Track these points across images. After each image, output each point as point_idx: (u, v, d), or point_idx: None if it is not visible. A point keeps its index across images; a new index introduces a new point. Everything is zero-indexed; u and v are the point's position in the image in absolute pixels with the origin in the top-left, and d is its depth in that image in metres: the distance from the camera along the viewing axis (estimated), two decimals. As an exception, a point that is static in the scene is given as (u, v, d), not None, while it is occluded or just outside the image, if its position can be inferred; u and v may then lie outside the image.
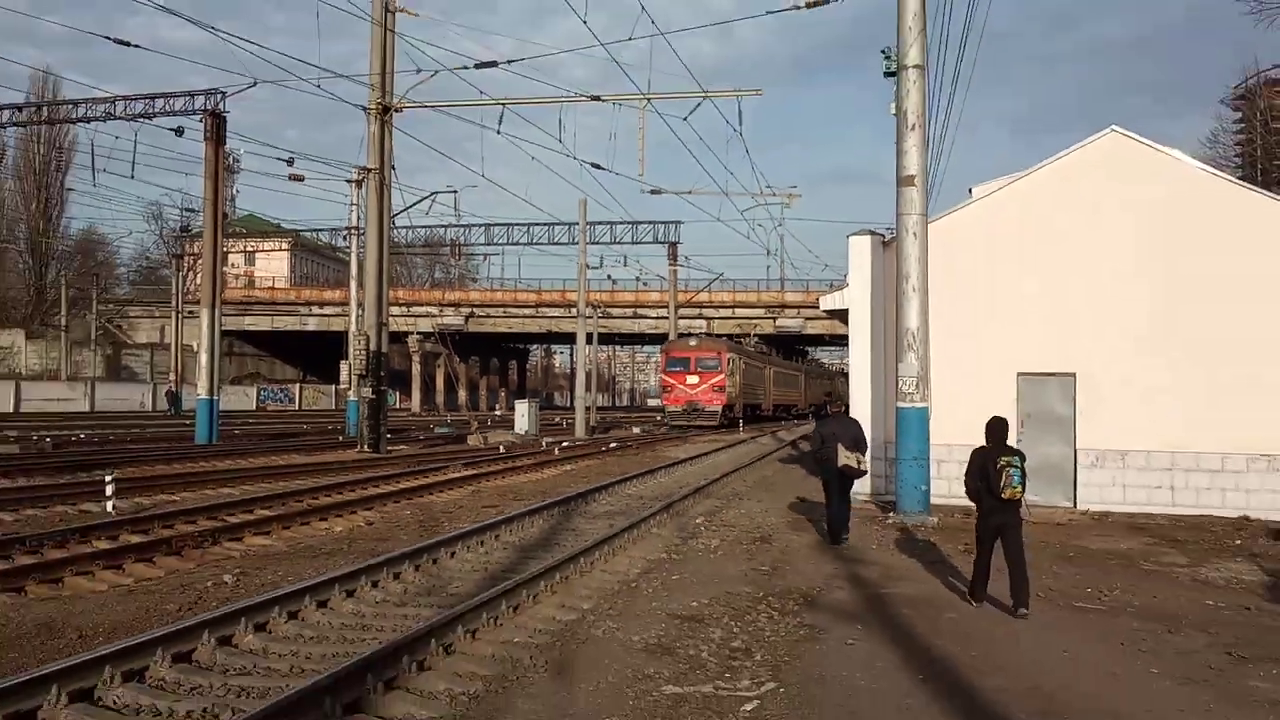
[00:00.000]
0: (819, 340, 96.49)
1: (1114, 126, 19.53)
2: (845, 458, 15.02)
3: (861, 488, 19.94)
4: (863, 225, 21.40)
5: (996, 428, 11.19)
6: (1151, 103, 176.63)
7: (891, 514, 17.54)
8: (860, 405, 20.56)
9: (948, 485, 18.92)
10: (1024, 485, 10.68)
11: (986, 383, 19.14)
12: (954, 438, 18.93)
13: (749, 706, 7.36)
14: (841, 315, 22.18)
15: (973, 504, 11.11)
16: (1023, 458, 10.94)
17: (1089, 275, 19.10)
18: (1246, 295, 18.37)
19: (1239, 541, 15.96)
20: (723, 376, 54.19)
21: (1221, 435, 18.46)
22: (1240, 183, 22.81)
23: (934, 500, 17.68)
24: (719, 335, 66.44)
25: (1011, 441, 11.72)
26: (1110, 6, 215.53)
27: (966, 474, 11.13)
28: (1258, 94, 56.28)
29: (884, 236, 20.81)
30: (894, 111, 17.93)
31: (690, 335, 62.44)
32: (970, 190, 22.00)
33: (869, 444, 16.64)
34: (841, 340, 31.61)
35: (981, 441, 11.11)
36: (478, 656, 8.51)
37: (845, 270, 21.66)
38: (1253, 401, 18.24)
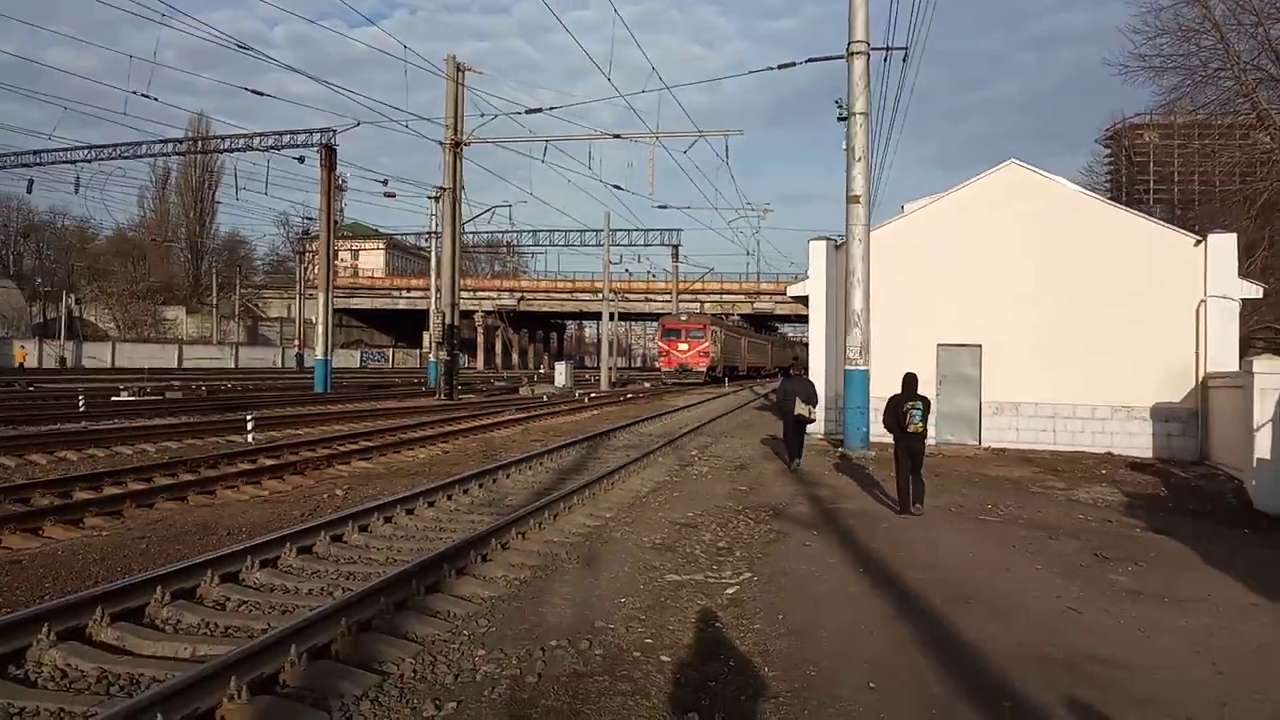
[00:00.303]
0: (786, 319, 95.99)
1: (1014, 159, 19.46)
2: (800, 408, 15.31)
3: (817, 429, 19.98)
4: (820, 233, 21.26)
5: (908, 381, 11.64)
6: (1041, 142, 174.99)
7: (840, 449, 17.54)
8: (817, 367, 20.61)
9: (882, 428, 18.95)
10: (925, 423, 11.32)
11: (914, 351, 19.07)
12: (888, 391, 18.61)
13: (730, 590, 7.39)
14: (804, 300, 22.11)
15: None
16: (927, 403, 11.45)
17: (993, 269, 19.02)
18: (1111, 284, 18.30)
19: (1104, 471, 15.93)
20: (707, 344, 52.01)
21: (1091, 391, 18.46)
22: (1109, 201, 22.66)
23: (872, 439, 17.67)
24: (704, 313, 63.88)
25: (930, 395, 11.97)
26: (1009, 69, 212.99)
27: (884, 414, 11.73)
28: (1124, 135, 56.09)
29: (836, 241, 20.74)
30: (845, 147, 17.93)
31: (682, 313, 59.47)
32: (903, 206, 21.85)
33: (821, 399, 17.17)
34: (803, 319, 31.46)
35: None
36: (527, 551, 8.55)
37: (807, 266, 21.56)
38: (1114, 366, 18.24)
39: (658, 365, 56.24)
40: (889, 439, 14.66)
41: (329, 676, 5.18)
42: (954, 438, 19.29)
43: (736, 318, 79.23)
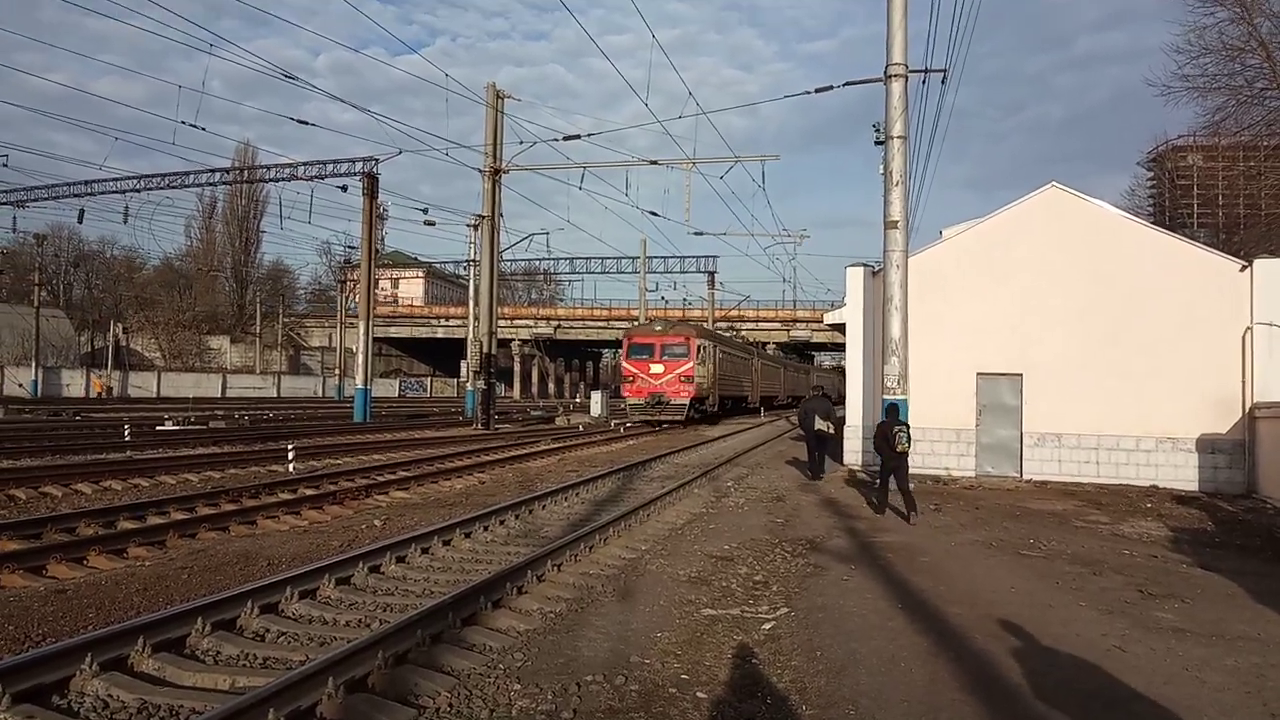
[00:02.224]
0: (823, 347, 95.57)
1: (1054, 182, 19.27)
2: (819, 424, 17.89)
3: (855, 460, 19.89)
4: (857, 259, 21.38)
5: (892, 410, 14.69)
6: (1082, 165, 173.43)
7: (879, 481, 17.34)
8: (854, 396, 20.49)
9: (921, 459, 18.78)
10: (909, 443, 13.88)
11: (953, 380, 19.04)
12: (928, 421, 18.84)
13: (767, 625, 7.33)
14: (840, 328, 22.04)
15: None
16: (909, 427, 14.10)
17: (1033, 296, 18.84)
18: (1155, 311, 18.06)
19: (1149, 504, 15.62)
20: (690, 365, 35.42)
21: (1135, 422, 18.16)
22: (1151, 225, 22.34)
23: (910, 470, 17.46)
24: (688, 322, 48.20)
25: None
26: (1049, 90, 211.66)
27: (875, 437, 14.35)
28: (1166, 157, 55.41)
29: (873, 268, 20.65)
30: (882, 172, 17.82)
31: (656, 320, 44.30)
32: (941, 231, 21.73)
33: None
34: (840, 347, 31.42)
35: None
36: (562, 584, 8.55)
37: (844, 293, 21.50)
38: (1159, 397, 17.95)
39: (623, 394, 38.38)
40: (928, 471, 15.54)
41: (365, 709, 5.21)
42: (994, 470, 19.03)
43: (773, 346, 78.58)
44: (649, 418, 35.51)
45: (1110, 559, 10.58)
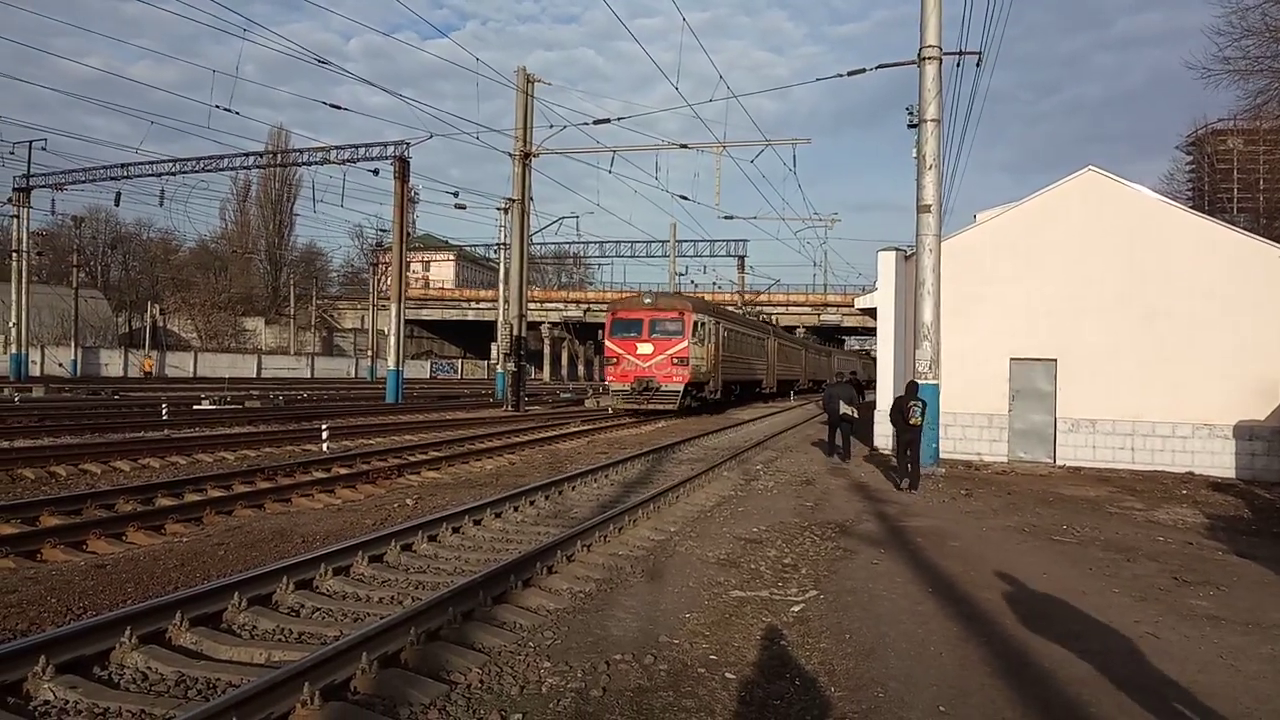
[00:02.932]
0: (854, 331, 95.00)
1: (1091, 166, 18.99)
2: (844, 409, 18.70)
3: (885, 445, 19.80)
4: (888, 243, 21.22)
5: (910, 387, 15.71)
6: (1120, 148, 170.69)
7: (896, 458, 17.26)
8: (885, 380, 20.39)
9: (953, 444, 18.70)
10: (923, 417, 14.92)
11: (985, 365, 18.88)
12: (960, 406, 18.73)
13: (796, 608, 7.33)
14: (871, 312, 21.91)
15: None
16: (924, 403, 15.08)
17: (1068, 280, 18.60)
18: (1192, 297, 17.79)
19: (1184, 491, 15.43)
20: (685, 345, 29.84)
21: (1170, 408, 17.94)
22: (1190, 210, 21.96)
23: (942, 455, 17.40)
24: (684, 295, 41.07)
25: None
26: (1086, 72, 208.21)
27: (890, 411, 15.81)
28: (1206, 141, 54.36)
29: (905, 252, 20.48)
30: (915, 155, 17.66)
31: (645, 293, 38.61)
32: (975, 216, 21.51)
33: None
34: (871, 331, 31.22)
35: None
36: (591, 564, 8.59)
37: (875, 278, 21.36)
38: (1195, 382, 17.71)
39: (604, 378, 34.19)
40: (960, 456, 15.93)
41: (398, 684, 5.27)
42: (1027, 455, 18.87)
43: (802, 330, 78.04)
44: (634, 407, 29.69)
45: (1144, 545, 10.46)
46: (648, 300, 32.18)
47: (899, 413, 15.12)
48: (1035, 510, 12.84)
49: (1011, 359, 18.97)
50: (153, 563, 8.28)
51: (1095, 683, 5.70)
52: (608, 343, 30.90)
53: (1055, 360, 18.71)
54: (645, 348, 29.90)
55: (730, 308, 52.39)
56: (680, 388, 29.55)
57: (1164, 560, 9.62)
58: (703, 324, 31.34)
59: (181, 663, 5.58)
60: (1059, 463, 18.56)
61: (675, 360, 29.66)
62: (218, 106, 29.93)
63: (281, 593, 7.04)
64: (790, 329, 70.29)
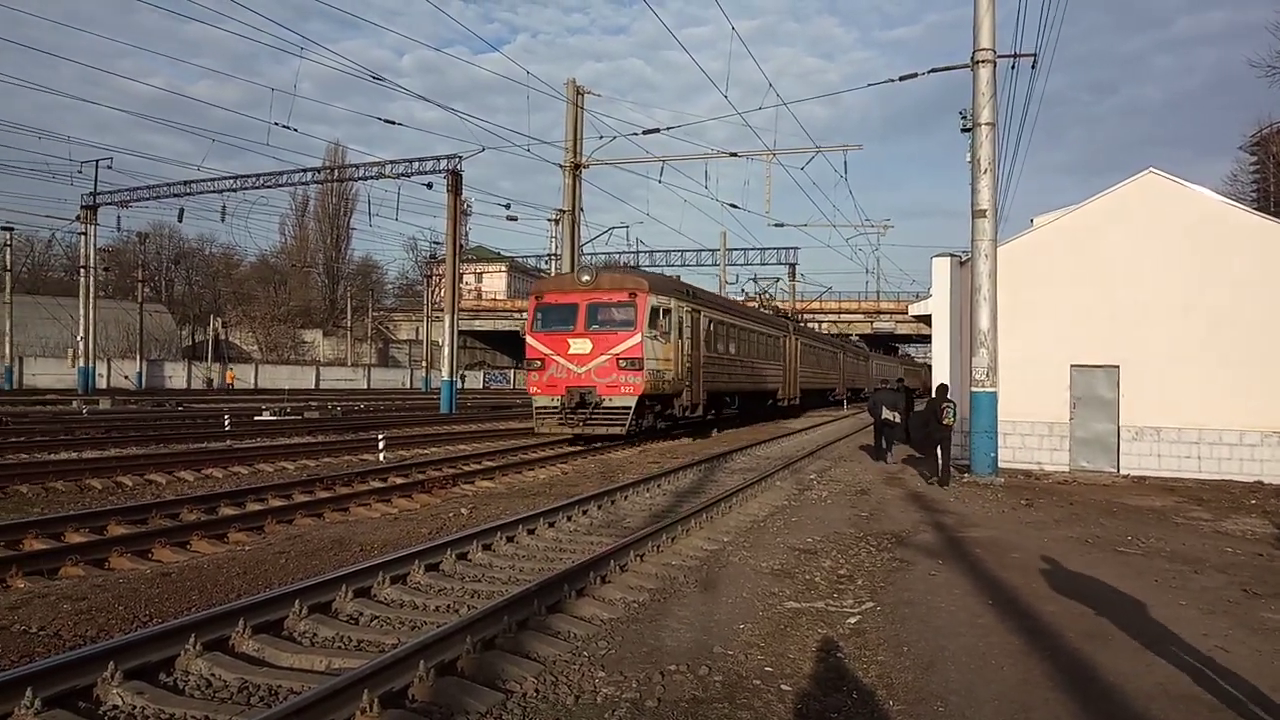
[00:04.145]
0: (908, 339, 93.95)
1: (1152, 168, 18.56)
2: (886, 414, 19.85)
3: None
4: (943, 249, 20.86)
5: (941, 389, 17.47)
6: (1181, 150, 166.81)
7: (966, 474, 16.99)
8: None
9: (1012, 453, 18.38)
10: (955, 417, 16.43)
11: (1044, 372, 18.52)
12: (1019, 415, 18.41)
13: (852, 620, 7.25)
14: (926, 319, 21.63)
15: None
16: (954, 404, 16.62)
17: (1130, 286, 18.16)
18: (1258, 301, 17.28)
19: (1254, 501, 14.97)
20: (637, 340, 20.89)
21: (1238, 415, 17.42)
22: (1254, 212, 21.34)
23: (1000, 464, 17.11)
24: (642, 272, 27.39)
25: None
26: (1145, 73, 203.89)
27: (924, 412, 17.60)
28: (1270, 141, 52.90)
29: (960, 258, 20.23)
30: (969, 159, 17.46)
31: (584, 268, 25.39)
32: (1032, 220, 21.13)
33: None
34: (925, 339, 30.85)
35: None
36: (645, 574, 8.58)
37: (929, 284, 21.10)
38: (1265, 390, 17.19)
39: (527, 388, 22.99)
40: (1019, 465, 16.55)
41: (455, 692, 5.31)
42: (1090, 464, 18.46)
43: (856, 338, 77.15)
44: (570, 430, 20.96)
45: (1212, 557, 10.17)
46: (585, 278, 21.85)
47: (931, 414, 16.81)
48: (1098, 521, 12.55)
49: (1072, 365, 18.58)
50: (216, 571, 8.46)
51: (1161, 698, 5.55)
52: (529, 339, 21.98)
53: (1118, 366, 18.29)
54: (581, 345, 20.97)
55: (751, 303, 43.61)
56: (631, 401, 20.44)
57: (1233, 572, 9.34)
58: (668, 311, 22.02)
59: (244, 669, 5.69)
60: (1123, 472, 18.13)
61: (623, 362, 20.55)
62: (276, 124, 30.55)
63: (341, 601, 7.15)
64: (843, 337, 69.34)
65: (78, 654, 5.40)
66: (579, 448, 21.23)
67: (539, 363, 21.44)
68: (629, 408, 20.45)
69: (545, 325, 21.78)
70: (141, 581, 7.97)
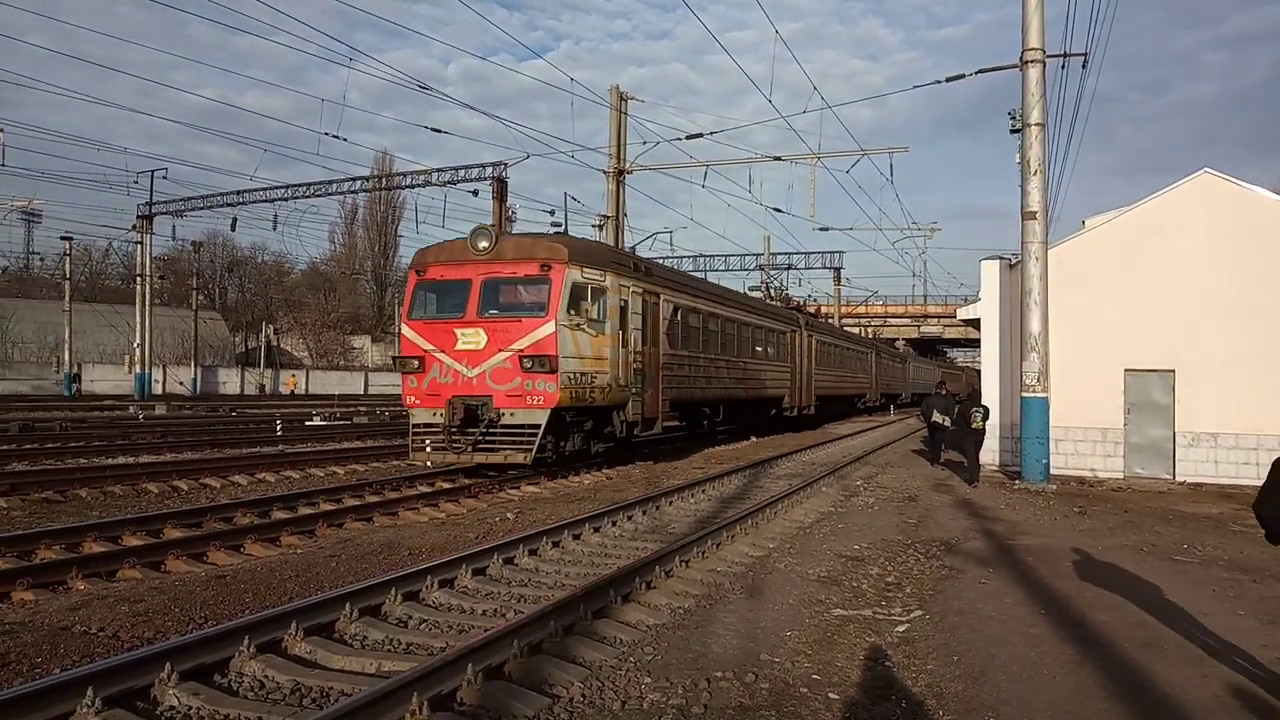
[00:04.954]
0: (955, 343, 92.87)
1: (1206, 168, 18.15)
2: (937, 418, 20.26)
3: (992, 460, 19.30)
4: (992, 252, 20.66)
5: (973, 393, 19.31)
6: (1236, 147, 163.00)
7: (1018, 481, 16.75)
8: (991, 394, 19.81)
9: (1064, 460, 18.10)
10: (984, 421, 17.42)
11: (1097, 377, 18.20)
12: (1071, 420, 18.13)
13: (901, 628, 7.18)
14: (974, 323, 21.39)
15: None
16: (987, 409, 17.67)
17: (1185, 288, 17.75)
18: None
19: (1318, 510, 14.53)
20: (550, 330, 14.81)
21: (1301, 421, 16.98)
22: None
23: (1053, 471, 16.84)
24: (560, 237, 18.34)
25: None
26: (1199, 71, 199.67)
27: (955, 416, 18.83)
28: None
29: (1010, 260, 19.95)
30: (1019, 160, 17.26)
31: (480, 229, 15.90)
32: (1084, 222, 20.82)
33: (995, 428, 18.92)
34: (974, 343, 30.44)
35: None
36: (690, 580, 8.57)
37: (978, 288, 20.88)
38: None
39: (402, 396, 16.05)
40: (1072, 472, 16.67)
41: (502, 696, 5.35)
42: (1145, 471, 18.09)
43: (902, 343, 76.15)
44: (456, 458, 15.20)
45: (1272, 566, 9.88)
46: (482, 244, 15.68)
47: (962, 418, 18.15)
48: (1154, 528, 12.30)
49: (1125, 370, 18.23)
50: (269, 573, 8.60)
51: (1219, 710, 5.43)
52: (404, 329, 16.71)
53: (1172, 371, 17.91)
54: (472, 337, 15.24)
55: (760, 293, 38.56)
56: (541, 417, 14.81)
57: (1296, 582, 9.09)
58: (601, 291, 16.24)
59: (297, 671, 5.78)
60: (1178, 479, 17.73)
61: (528, 362, 14.82)
62: (326, 133, 31.11)
63: (390, 604, 7.24)
64: (889, 341, 68.37)
65: (136, 655, 5.52)
66: (625, 453, 21.16)
67: (416, 362, 15.40)
68: (538, 425, 14.67)
69: (427, 310, 16.04)
70: (196, 584, 8.13)
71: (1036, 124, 16.86)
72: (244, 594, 7.82)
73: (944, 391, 21.96)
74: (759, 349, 27.07)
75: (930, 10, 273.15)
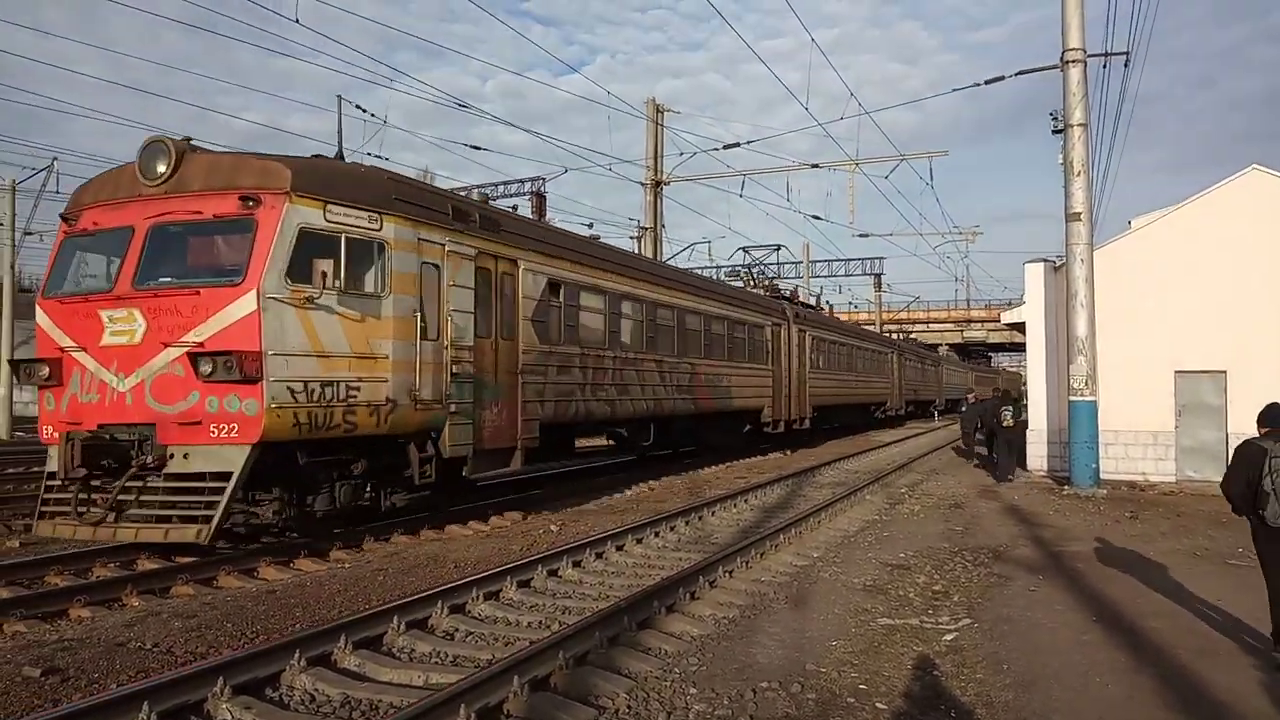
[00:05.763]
0: (1000, 348, 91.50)
1: (1255, 164, 17.79)
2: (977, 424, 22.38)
3: (1039, 466, 19.05)
4: (1036, 255, 20.31)
5: (1002, 394, 21.55)
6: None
7: (1066, 487, 16.50)
8: (1037, 398, 19.55)
9: (1114, 464, 17.78)
10: (1014, 419, 19.17)
11: (1146, 379, 17.87)
12: (1120, 424, 17.82)
13: (949, 637, 7.11)
14: (1019, 327, 21.15)
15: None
16: (1017, 405, 19.69)
17: (1236, 288, 17.39)
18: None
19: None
20: (249, 306, 8.71)
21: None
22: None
23: (1102, 475, 16.56)
24: (290, 157, 9.95)
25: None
26: (1246, 65, 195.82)
27: (985, 414, 20.87)
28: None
29: (1054, 263, 19.70)
30: (1062, 162, 17.04)
31: (153, 143, 9.32)
32: (1129, 222, 20.49)
33: (1044, 434, 19.24)
34: (1019, 348, 29.95)
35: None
36: (734, 590, 8.56)
37: (1021, 291, 20.61)
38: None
39: (39, 417, 9.92)
40: (1122, 476, 16.18)
41: (548, 708, 5.39)
42: (1197, 474, 17.70)
43: (945, 348, 75.05)
44: (92, 532, 9.00)
45: (1335, 571, 9.65)
46: (160, 168, 9.49)
47: (991, 416, 20.00)
48: (1207, 533, 12.05)
49: (1176, 372, 17.89)
50: (318, 588, 8.73)
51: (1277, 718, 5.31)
52: (38, 313, 10.01)
53: (1225, 373, 17.54)
54: (124, 325, 9.32)
55: (933, 347, 34.95)
56: (234, 459, 8.89)
57: (1358, 587, 8.86)
58: (367, 244, 10.19)
59: (346, 684, 5.87)
60: (1233, 482, 17.34)
61: (207, 364, 8.76)
62: (369, 154, 31.62)
63: (437, 617, 7.32)
64: (931, 347, 67.41)
65: (190, 670, 5.64)
66: (668, 461, 21.12)
67: (46, 370, 9.67)
68: (226, 474, 8.89)
69: (73, 281, 10.09)
70: (247, 599, 8.27)
71: (1079, 125, 16.67)
72: (294, 608, 7.93)
73: (974, 399, 23.58)
74: (721, 347, 21.09)
75: (968, 12, 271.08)
